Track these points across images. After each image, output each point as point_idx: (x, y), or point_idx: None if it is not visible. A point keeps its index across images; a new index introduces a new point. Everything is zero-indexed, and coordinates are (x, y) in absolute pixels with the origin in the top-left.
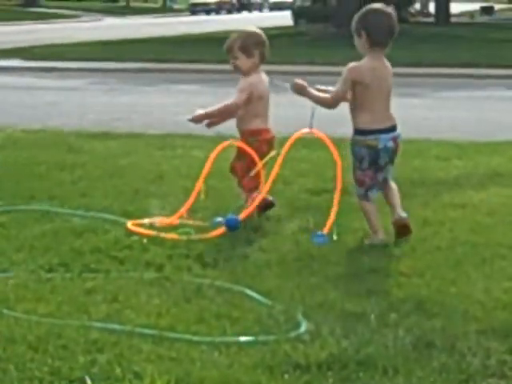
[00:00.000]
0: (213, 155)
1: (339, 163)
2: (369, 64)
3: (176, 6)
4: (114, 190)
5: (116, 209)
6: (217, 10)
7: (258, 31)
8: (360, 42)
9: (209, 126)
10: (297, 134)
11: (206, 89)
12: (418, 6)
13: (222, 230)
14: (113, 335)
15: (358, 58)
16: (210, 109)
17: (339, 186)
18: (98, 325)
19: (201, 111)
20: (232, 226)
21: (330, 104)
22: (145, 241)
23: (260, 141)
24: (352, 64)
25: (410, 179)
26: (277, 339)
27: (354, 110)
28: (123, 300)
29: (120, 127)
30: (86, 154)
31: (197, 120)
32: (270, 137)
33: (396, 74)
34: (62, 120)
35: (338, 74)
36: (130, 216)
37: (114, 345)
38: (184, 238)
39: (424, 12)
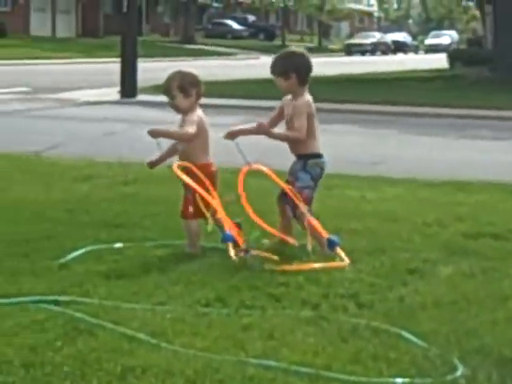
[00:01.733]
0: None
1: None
2: (308, 98)
3: (331, 46)
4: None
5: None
6: (372, 51)
7: (193, 71)
8: (289, 83)
9: (152, 165)
10: (241, 175)
11: (358, 129)
12: None
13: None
14: (269, 372)
15: None
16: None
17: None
18: (255, 361)
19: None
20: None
21: (303, 137)
22: (300, 279)
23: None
24: (306, 99)
25: None
26: (433, 382)
27: (307, 139)
28: (279, 337)
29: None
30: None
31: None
32: (215, 170)
33: None
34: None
35: (496, 117)
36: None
37: (271, 382)
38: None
39: None
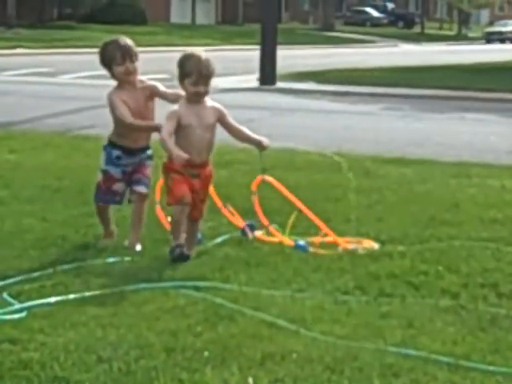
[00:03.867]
0: None
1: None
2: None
3: (471, 34)
4: (410, 216)
5: (411, 235)
6: None
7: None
8: None
9: None
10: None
11: (501, 119)
12: None
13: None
14: (408, 361)
15: None
16: None
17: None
18: (394, 349)
19: None
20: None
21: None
22: (440, 268)
23: None
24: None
25: None
26: None
27: None
28: (418, 326)
29: (414, 153)
30: (382, 179)
31: None
32: None
33: None
34: (356, 144)
35: None
36: (425, 242)
37: (410, 370)
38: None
39: None
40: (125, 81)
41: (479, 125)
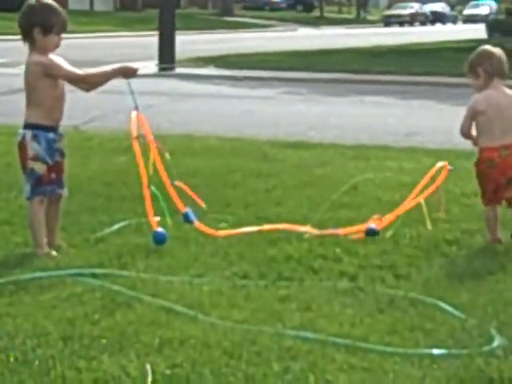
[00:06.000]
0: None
1: None
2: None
3: (370, 17)
4: (308, 200)
5: (310, 219)
6: (410, 21)
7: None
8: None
9: None
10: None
11: (400, 101)
12: None
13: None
14: (306, 344)
15: None
16: None
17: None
18: (292, 333)
19: None
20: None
21: None
22: (338, 250)
23: None
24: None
25: None
26: (470, 353)
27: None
28: (316, 309)
29: (313, 137)
30: (281, 163)
31: None
32: None
33: None
34: (256, 129)
35: None
36: (323, 226)
37: (308, 353)
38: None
39: None
40: (47, 53)
41: (378, 107)
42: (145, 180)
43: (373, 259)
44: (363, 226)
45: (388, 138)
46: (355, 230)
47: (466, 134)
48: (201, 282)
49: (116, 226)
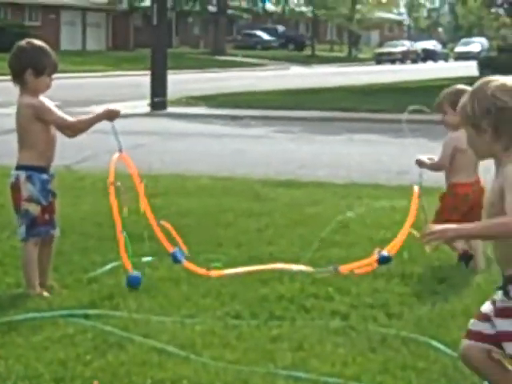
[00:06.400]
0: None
1: None
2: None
3: (361, 55)
4: (300, 238)
5: (302, 257)
6: (402, 59)
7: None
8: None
9: None
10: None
11: (391, 139)
12: None
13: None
14: (298, 383)
15: None
16: None
17: None
18: (284, 372)
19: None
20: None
21: None
22: (330, 289)
23: None
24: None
25: None
26: None
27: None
28: (308, 348)
29: (305, 175)
30: (272, 202)
31: None
32: None
33: None
34: (248, 168)
35: None
36: (315, 265)
37: None
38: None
39: None
40: (38, 94)
41: (369, 145)
42: (119, 225)
43: (365, 298)
44: (373, 258)
45: (380, 176)
46: (367, 263)
47: (444, 169)
48: (193, 322)
49: (109, 266)
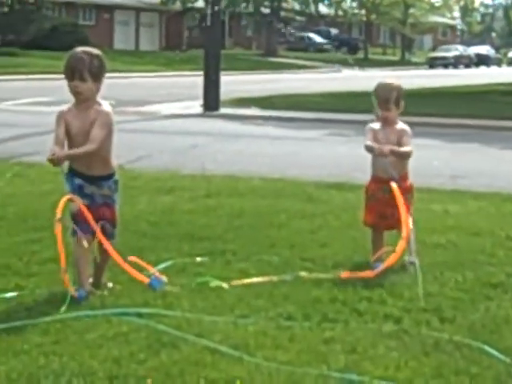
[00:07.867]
0: None
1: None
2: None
3: (414, 59)
4: (353, 241)
5: (355, 261)
6: (455, 64)
7: None
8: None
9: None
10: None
11: (443, 143)
12: None
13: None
14: None
15: None
16: None
17: None
18: (337, 375)
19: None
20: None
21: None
22: (383, 293)
23: None
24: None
25: None
26: None
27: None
28: (361, 351)
29: (357, 178)
30: (325, 204)
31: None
32: None
33: None
34: (300, 170)
35: None
36: (366, 269)
37: None
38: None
39: None
40: (75, 99)
41: (422, 149)
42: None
43: (417, 302)
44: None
45: (433, 180)
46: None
47: None
48: (245, 323)
49: (162, 265)
